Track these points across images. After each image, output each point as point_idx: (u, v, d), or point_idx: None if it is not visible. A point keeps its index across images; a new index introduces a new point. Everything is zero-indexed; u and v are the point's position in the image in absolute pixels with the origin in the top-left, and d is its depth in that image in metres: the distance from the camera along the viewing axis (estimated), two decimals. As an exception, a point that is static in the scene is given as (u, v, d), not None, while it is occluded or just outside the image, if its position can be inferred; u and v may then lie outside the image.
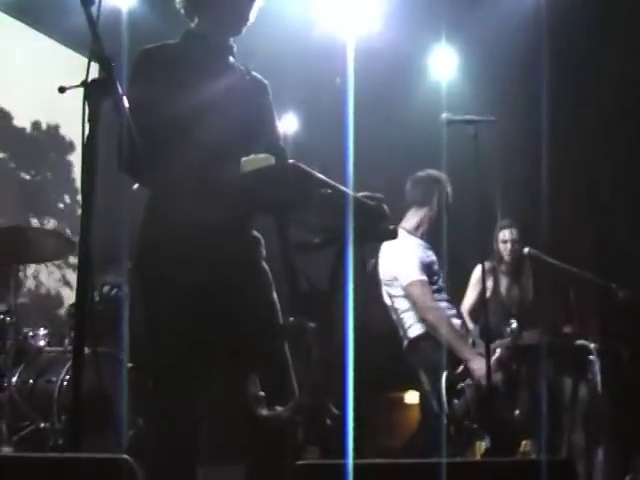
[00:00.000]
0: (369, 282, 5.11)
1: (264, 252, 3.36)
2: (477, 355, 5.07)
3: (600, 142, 7.15)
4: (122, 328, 5.18)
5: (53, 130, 7.41)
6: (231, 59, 3.39)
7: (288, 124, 7.29)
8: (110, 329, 5.28)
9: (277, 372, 3.12)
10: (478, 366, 5.01)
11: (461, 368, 5.11)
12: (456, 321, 5.35)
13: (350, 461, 2.27)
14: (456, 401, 5.02)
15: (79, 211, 7.10)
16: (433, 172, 5.45)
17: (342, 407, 2.98)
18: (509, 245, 6.60)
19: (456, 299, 6.05)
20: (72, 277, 7.12)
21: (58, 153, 7.44)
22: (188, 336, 3.04)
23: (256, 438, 3.02)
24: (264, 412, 2.97)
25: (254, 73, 3.47)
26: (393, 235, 3.38)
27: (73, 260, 6.77)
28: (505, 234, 6.59)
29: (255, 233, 3.34)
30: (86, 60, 2.40)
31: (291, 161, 2.89)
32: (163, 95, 3.04)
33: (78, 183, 7.45)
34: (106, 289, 5.73)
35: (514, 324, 5.49)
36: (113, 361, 5.08)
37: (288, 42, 6.48)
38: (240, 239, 3.22)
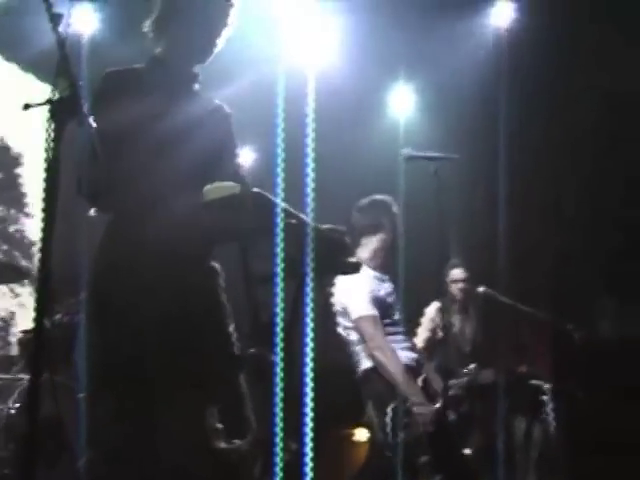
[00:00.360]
0: (328, 312, 5.03)
1: (223, 283, 3.30)
2: (422, 401, 4.96)
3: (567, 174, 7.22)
4: (75, 356, 5.08)
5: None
6: (195, 87, 3.35)
7: (246, 157, 7.27)
8: (63, 357, 5.18)
9: (235, 404, 3.06)
10: (422, 411, 4.92)
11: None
12: (410, 355, 5.28)
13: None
14: (402, 435, 4.92)
15: (28, 232, 7.02)
16: (378, 197, 5.33)
17: (299, 442, 2.93)
18: (460, 285, 6.62)
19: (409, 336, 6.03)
20: (23, 299, 6.98)
21: (5, 169, 7.31)
22: (143, 364, 2.96)
23: (214, 471, 2.95)
24: (222, 445, 2.91)
25: (217, 101, 3.43)
26: (355, 268, 3.34)
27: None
28: (455, 274, 6.61)
29: (214, 263, 3.28)
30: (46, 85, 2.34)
31: (255, 189, 2.85)
32: (124, 120, 2.99)
33: (27, 201, 7.30)
34: (58, 316, 5.62)
35: (472, 365, 5.45)
36: (66, 390, 4.97)
37: (247, 75, 6.46)
38: (200, 269, 3.16)
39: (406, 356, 5.19)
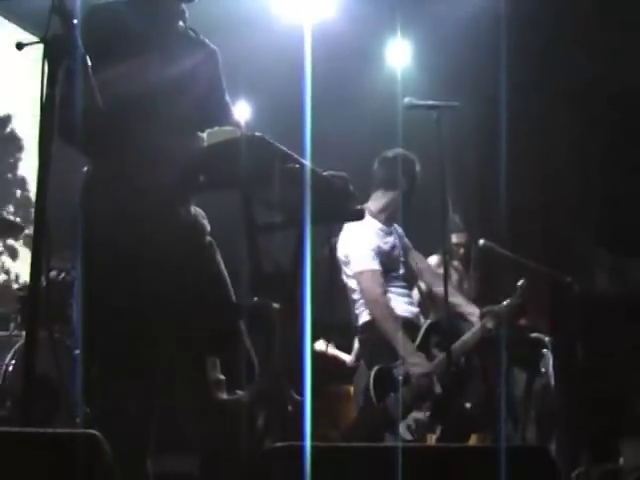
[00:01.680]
0: (332, 262, 4.95)
1: (208, 226, 3.21)
2: (417, 361, 4.91)
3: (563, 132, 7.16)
4: (71, 313, 5.04)
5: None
6: (181, 24, 3.25)
7: (244, 112, 7.20)
8: (58, 314, 5.12)
9: (236, 355, 3.00)
10: (415, 361, 4.87)
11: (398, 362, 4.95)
12: (411, 309, 5.23)
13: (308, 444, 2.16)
14: (392, 394, 4.87)
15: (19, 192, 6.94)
16: (401, 151, 5.27)
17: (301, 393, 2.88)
18: (462, 249, 6.59)
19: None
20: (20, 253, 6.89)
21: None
22: (142, 314, 2.89)
23: (216, 423, 2.90)
24: (224, 396, 2.86)
25: (203, 39, 3.33)
26: (359, 216, 3.29)
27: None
28: (457, 237, 6.57)
29: (196, 209, 3.19)
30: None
31: (258, 134, 2.77)
32: (109, 58, 2.87)
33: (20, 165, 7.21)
34: (53, 274, 5.55)
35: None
36: (62, 347, 4.92)
37: (245, 30, 6.38)
38: (187, 213, 3.09)
39: (407, 310, 5.15)
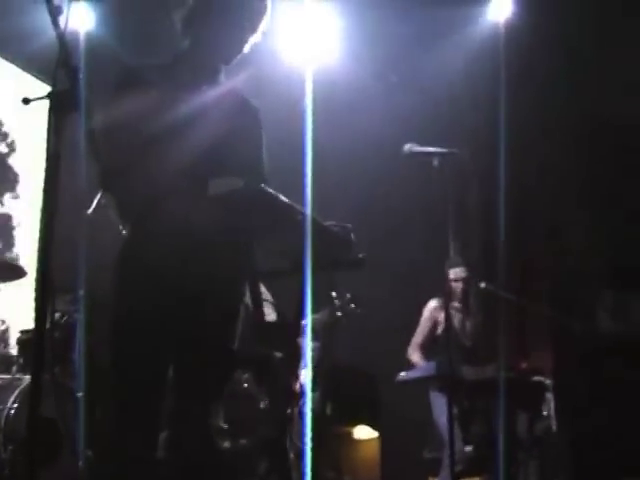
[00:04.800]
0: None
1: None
2: None
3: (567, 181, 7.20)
4: (73, 356, 5.04)
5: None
6: (221, 78, 3.31)
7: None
8: (61, 357, 5.13)
9: (238, 403, 3.01)
10: None
11: None
12: None
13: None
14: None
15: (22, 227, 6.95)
16: None
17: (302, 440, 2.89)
18: (460, 284, 6.59)
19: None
20: (20, 299, 6.88)
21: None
22: (152, 360, 2.93)
23: (218, 470, 2.91)
24: (227, 444, 2.87)
25: (245, 97, 3.38)
26: (360, 264, 3.30)
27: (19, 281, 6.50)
28: (456, 272, 6.57)
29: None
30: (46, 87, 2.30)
31: (260, 185, 2.80)
32: (144, 113, 2.95)
33: (19, 194, 7.21)
34: (57, 316, 5.56)
35: None
36: (64, 390, 4.92)
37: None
38: (215, 262, 3.12)
39: None
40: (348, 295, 5.67)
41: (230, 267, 3.07)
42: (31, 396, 2.23)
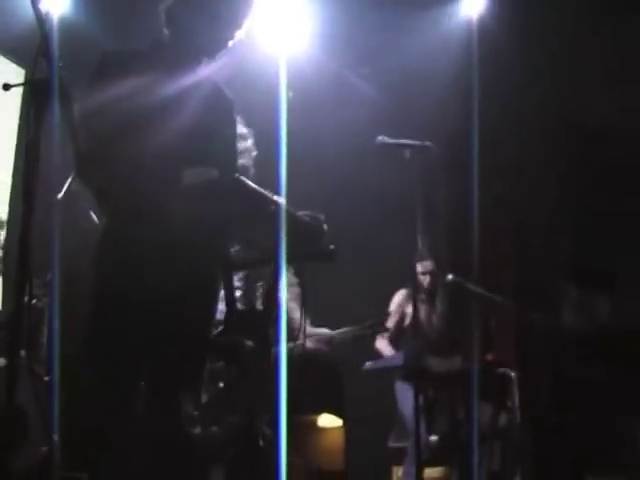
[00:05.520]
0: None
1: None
2: None
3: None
4: (42, 340, 5.03)
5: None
6: (198, 68, 3.32)
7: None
8: (31, 341, 5.12)
9: (211, 390, 3.04)
10: None
11: None
12: None
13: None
14: None
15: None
16: None
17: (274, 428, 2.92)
18: (428, 277, 6.64)
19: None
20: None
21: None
22: (127, 346, 2.96)
23: (190, 458, 2.93)
24: (198, 432, 2.89)
25: (221, 88, 3.38)
26: (330, 257, 3.33)
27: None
28: (424, 265, 6.62)
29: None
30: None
31: (234, 175, 2.83)
32: (121, 99, 2.97)
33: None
34: (34, 301, 5.53)
35: None
36: (34, 375, 4.91)
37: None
38: (189, 253, 3.14)
39: None
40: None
41: (205, 256, 3.10)
42: (7, 382, 2.24)
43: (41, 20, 2.28)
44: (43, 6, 2.35)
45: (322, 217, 3.19)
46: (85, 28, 6.06)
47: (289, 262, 3.10)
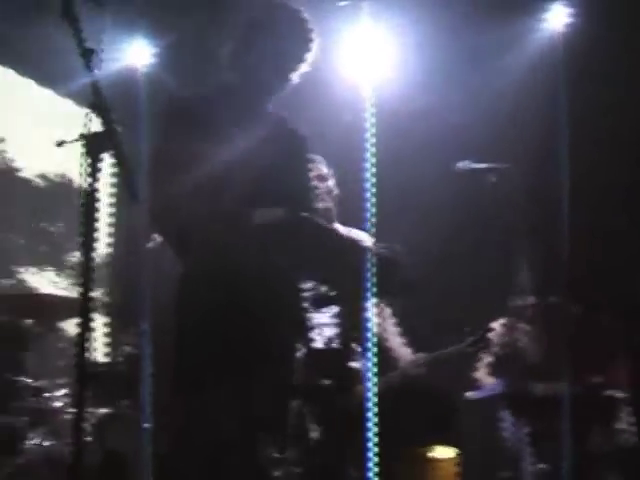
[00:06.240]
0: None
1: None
2: None
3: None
4: (142, 388, 5.09)
5: (59, 179, 7.33)
6: (267, 108, 3.32)
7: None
8: (130, 389, 5.18)
9: (293, 432, 3.02)
10: None
11: None
12: None
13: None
14: None
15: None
16: None
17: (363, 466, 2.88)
18: (527, 304, 6.54)
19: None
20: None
21: (67, 203, 7.31)
22: (219, 388, 2.99)
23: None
24: (279, 474, 2.87)
25: (291, 125, 3.39)
26: (410, 288, 3.28)
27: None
28: (524, 300, 6.51)
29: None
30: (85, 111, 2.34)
31: (304, 214, 2.82)
32: (190, 144, 3.01)
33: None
34: (128, 349, 5.61)
35: None
36: (133, 423, 4.97)
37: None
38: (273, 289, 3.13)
39: None
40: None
41: (282, 296, 3.09)
42: (74, 428, 2.26)
43: (92, 73, 2.29)
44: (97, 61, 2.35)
45: (399, 248, 3.14)
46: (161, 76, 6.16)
47: (370, 297, 3.07)
